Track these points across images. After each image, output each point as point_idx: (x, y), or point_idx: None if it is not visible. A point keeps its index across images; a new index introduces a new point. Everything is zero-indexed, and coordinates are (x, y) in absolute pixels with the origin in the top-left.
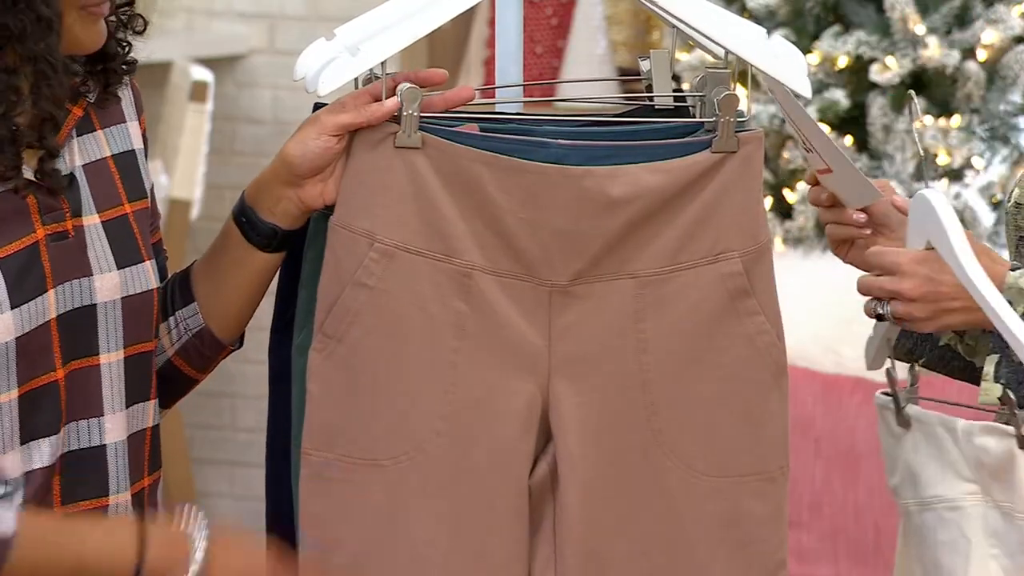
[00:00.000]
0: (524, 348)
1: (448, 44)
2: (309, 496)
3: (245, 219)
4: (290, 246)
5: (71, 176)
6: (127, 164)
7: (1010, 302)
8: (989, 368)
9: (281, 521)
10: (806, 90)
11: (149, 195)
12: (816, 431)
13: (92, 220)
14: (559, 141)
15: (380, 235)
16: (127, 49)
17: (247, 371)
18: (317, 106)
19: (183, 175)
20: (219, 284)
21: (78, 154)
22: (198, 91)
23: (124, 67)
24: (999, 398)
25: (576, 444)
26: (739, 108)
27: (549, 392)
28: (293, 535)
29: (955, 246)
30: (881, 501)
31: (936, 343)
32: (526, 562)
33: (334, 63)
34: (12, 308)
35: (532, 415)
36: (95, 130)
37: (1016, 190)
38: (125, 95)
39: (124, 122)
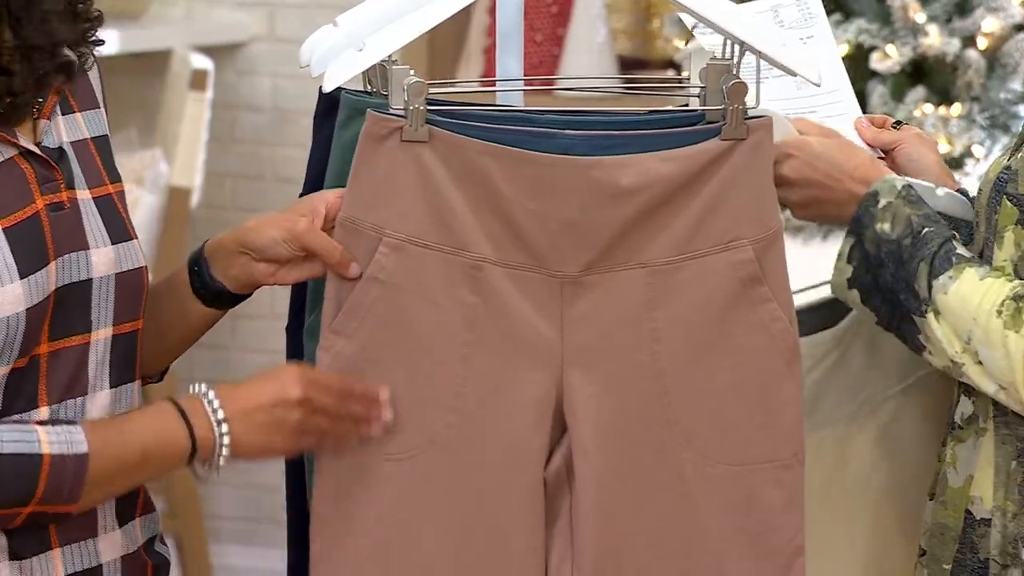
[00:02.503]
0: (536, 340)
1: (448, 32)
2: (324, 492)
3: (197, 269)
4: (236, 305)
5: (61, 149)
6: (103, 148)
7: (876, 192)
8: (844, 248)
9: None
10: (815, 77)
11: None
12: None
13: (84, 194)
14: (566, 131)
15: (389, 229)
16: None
17: (249, 360)
18: (321, 97)
19: (183, 163)
20: (156, 321)
21: (64, 131)
22: (198, 79)
23: (87, 48)
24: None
25: (591, 435)
26: (748, 95)
27: (563, 384)
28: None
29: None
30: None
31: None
32: (542, 555)
33: (341, 58)
34: (21, 279)
35: (546, 407)
36: (74, 112)
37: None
38: (94, 79)
39: (98, 108)
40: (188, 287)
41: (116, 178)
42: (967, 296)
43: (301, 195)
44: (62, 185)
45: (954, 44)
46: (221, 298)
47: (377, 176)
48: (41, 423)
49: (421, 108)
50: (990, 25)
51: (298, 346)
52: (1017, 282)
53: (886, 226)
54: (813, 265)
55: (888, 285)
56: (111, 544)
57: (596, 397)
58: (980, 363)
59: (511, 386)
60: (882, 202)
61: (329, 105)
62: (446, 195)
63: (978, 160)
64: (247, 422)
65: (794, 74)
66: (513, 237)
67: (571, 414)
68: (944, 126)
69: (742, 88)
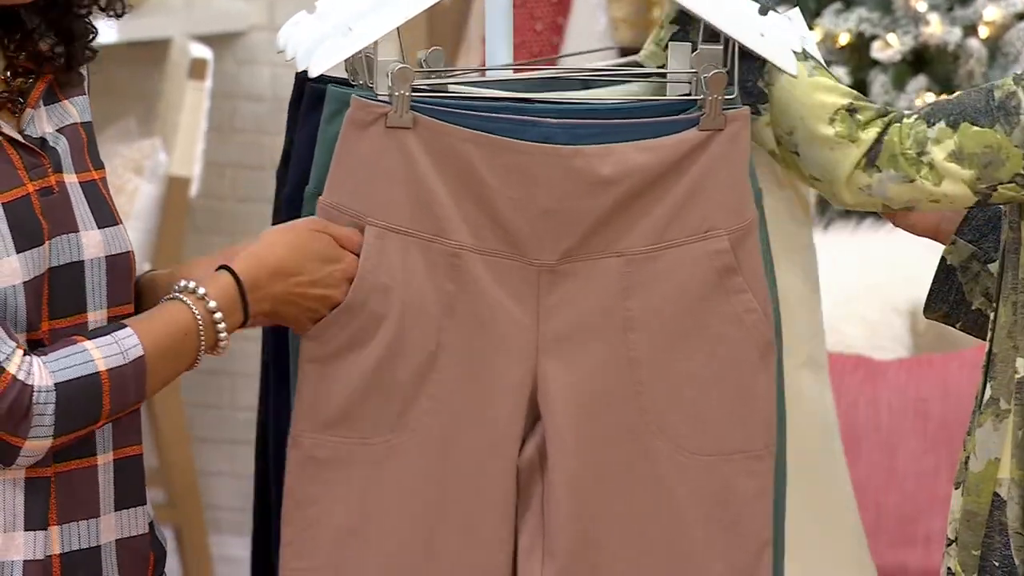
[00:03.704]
0: (512, 328)
1: (448, 20)
2: (298, 477)
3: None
4: None
5: (42, 139)
6: (89, 133)
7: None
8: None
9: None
10: (791, 67)
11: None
12: None
13: (70, 178)
14: (548, 119)
15: (370, 216)
16: (93, 36)
17: (247, 349)
18: (300, 80)
19: (182, 152)
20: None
21: (47, 121)
22: (197, 68)
23: (89, 51)
24: None
25: (565, 424)
26: (728, 86)
27: (537, 372)
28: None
29: None
30: (881, 479)
31: (970, 307)
32: (512, 542)
33: (326, 43)
34: (17, 253)
35: (521, 395)
36: (59, 100)
37: None
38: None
39: (85, 94)
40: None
41: (99, 164)
42: (797, 96)
43: (281, 194)
44: (49, 170)
45: (955, 33)
46: None
47: (360, 162)
48: (87, 336)
49: (406, 94)
50: (992, 14)
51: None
52: (848, 93)
53: None
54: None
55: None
56: (109, 527)
57: (571, 386)
58: (796, 154)
59: (487, 373)
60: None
61: (313, 99)
62: (428, 182)
63: None
64: (280, 296)
65: (771, 63)
66: (492, 225)
67: (545, 402)
68: None
69: (721, 78)
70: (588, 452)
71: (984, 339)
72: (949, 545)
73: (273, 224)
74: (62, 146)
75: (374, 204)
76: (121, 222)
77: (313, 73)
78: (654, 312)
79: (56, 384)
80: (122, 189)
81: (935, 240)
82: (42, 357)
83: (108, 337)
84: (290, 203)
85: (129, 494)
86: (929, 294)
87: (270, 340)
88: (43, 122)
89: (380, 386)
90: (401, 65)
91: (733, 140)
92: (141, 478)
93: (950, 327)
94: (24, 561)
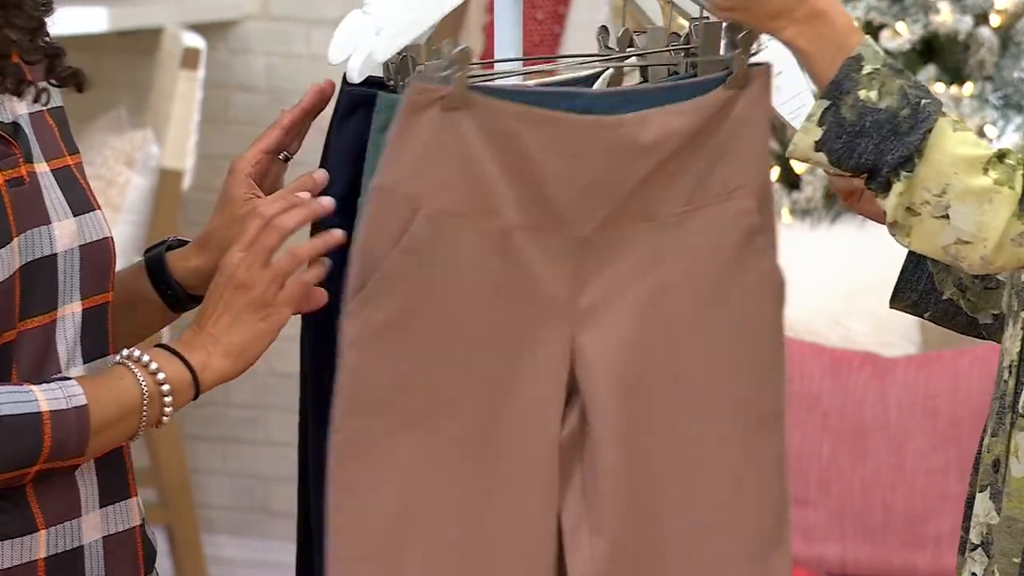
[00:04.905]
0: (552, 303)
1: None
2: (343, 463)
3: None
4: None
5: (15, 124)
6: (60, 119)
7: (860, 56)
8: (816, 110)
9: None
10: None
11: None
12: (823, 407)
13: (42, 168)
14: (585, 91)
15: (426, 200)
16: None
17: None
18: (345, 91)
19: (174, 144)
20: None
21: (19, 105)
22: (190, 58)
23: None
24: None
25: (607, 397)
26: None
27: (575, 345)
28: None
29: None
30: (889, 478)
31: (940, 297)
32: (556, 521)
33: (360, 48)
34: None
35: (562, 370)
36: (30, 84)
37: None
38: None
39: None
40: (155, 298)
41: (74, 150)
42: (949, 151)
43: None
44: (20, 160)
45: (966, 21)
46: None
47: (417, 146)
48: (34, 382)
49: (466, 75)
50: (1003, 2)
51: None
52: (995, 148)
53: (872, 94)
54: (820, 250)
55: (868, 156)
56: (93, 525)
57: (610, 358)
58: (945, 217)
59: (529, 351)
60: (867, 68)
61: (350, 104)
62: (481, 162)
63: (991, 140)
64: (218, 334)
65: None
66: (539, 200)
67: (585, 376)
68: (956, 106)
69: (752, 37)
70: (630, 425)
71: (953, 329)
72: (974, 550)
73: (311, 230)
74: (32, 133)
75: (429, 188)
76: (99, 207)
77: (356, 79)
78: (686, 276)
79: None
80: (113, 182)
81: None
82: None
83: (54, 383)
84: (332, 212)
85: (115, 489)
86: (897, 283)
87: (310, 344)
88: (14, 106)
89: (430, 368)
90: (462, 46)
91: (758, 97)
92: (126, 471)
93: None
94: (4, 569)
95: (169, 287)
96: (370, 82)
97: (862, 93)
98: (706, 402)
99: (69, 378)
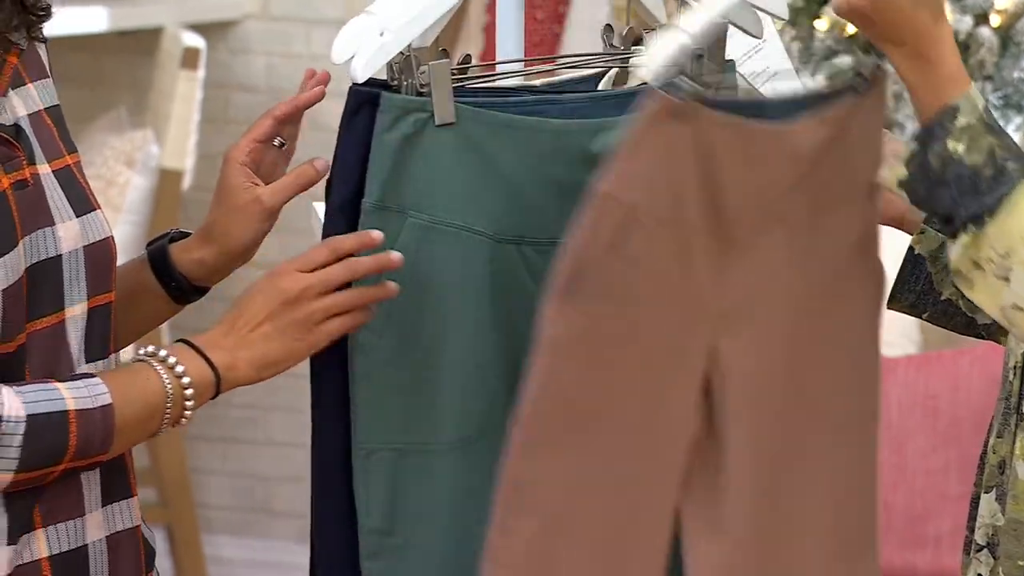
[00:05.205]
0: (701, 306)
1: None
2: (518, 461)
3: (165, 272)
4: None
5: (16, 126)
6: (57, 118)
7: (956, 107)
8: (906, 151)
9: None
10: (783, 11)
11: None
12: None
13: (44, 169)
14: (567, 94)
15: (643, 207)
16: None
17: None
18: (352, 90)
19: (174, 144)
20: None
21: (19, 105)
22: (190, 58)
23: (42, 12)
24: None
25: (741, 402)
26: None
27: (715, 349)
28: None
29: None
30: (889, 478)
31: (938, 297)
32: (672, 517)
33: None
34: None
35: (699, 373)
36: (26, 83)
37: None
38: (42, 49)
39: (47, 76)
40: (159, 291)
41: (72, 149)
42: (1021, 218)
43: (329, 202)
44: (24, 162)
45: (966, 21)
46: (195, 293)
47: (649, 154)
48: (59, 380)
49: (698, 87)
50: (1004, 2)
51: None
52: None
53: (960, 148)
54: None
55: (945, 205)
56: (96, 524)
57: (746, 362)
58: (1005, 279)
59: (679, 354)
60: (961, 121)
61: (357, 103)
62: (685, 173)
63: None
64: (255, 341)
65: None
66: (715, 208)
67: (721, 380)
68: None
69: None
70: (759, 428)
71: (952, 329)
72: (979, 551)
73: (324, 230)
74: (32, 133)
75: (647, 197)
76: (99, 207)
77: (359, 78)
78: (811, 280)
79: (27, 415)
80: (113, 182)
81: (900, 229)
82: (13, 388)
83: (79, 381)
84: (340, 211)
85: (117, 488)
86: (894, 284)
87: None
88: (15, 107)
89: (620, 381)
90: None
91: (878, 102)
92: (128, 471)
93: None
94: (17, 566)
95: (173, 279)
96: (374, 83)
97: (951, 144)
98: (823, 406)
99: (93, 375)
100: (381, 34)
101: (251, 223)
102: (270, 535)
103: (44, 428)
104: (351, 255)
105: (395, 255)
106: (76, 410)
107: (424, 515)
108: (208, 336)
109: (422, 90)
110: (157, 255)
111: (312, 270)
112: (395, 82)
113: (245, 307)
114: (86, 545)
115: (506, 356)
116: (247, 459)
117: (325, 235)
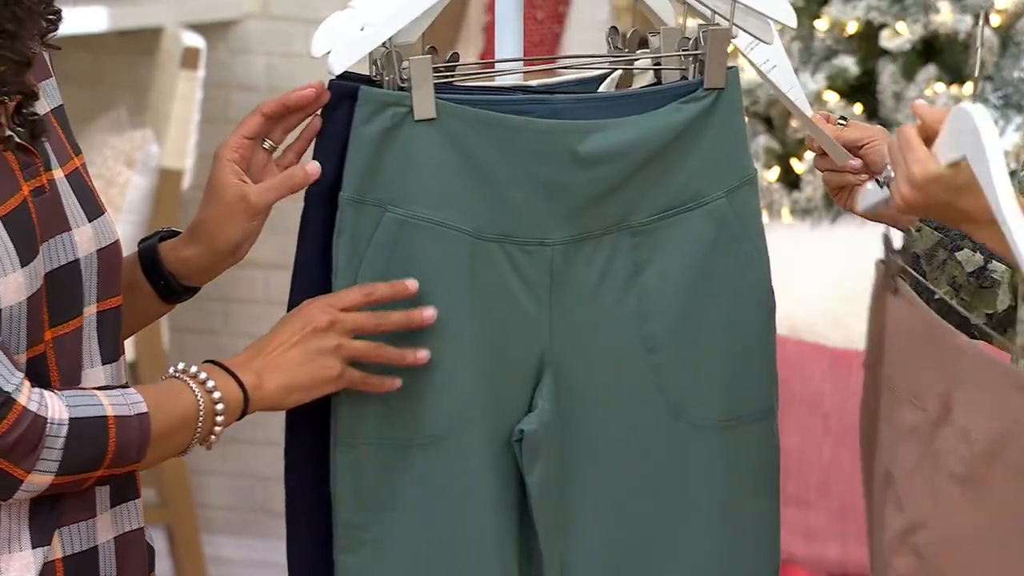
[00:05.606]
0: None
1: (447, 9)
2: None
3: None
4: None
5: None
6: (62, 119)
7: None
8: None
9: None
10: (791, 20)
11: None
12: (825, 407)
13: (59, 174)
14: (558, 95)
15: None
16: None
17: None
18: (331, 84)
19: (174, 144)
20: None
21: (35, 106)
22: (190, 57)
23: (52, 16)
24: None
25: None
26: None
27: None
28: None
29: (992, 164)
30: None
31: (932, 296)
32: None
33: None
34: (22, 267)
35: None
36: (34, 86)
37: None
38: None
39: (50, 76)
40: (148, 289)
41: (78, 150)
42: None
43: (310, 203)
44: (41, 168)
45: (966, 21)
46: (185, 293)
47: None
48: (96, 388)
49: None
50: (1004, 2)
51: None
52: None
53: None
54: (820, 250)
55: None
56: (106, 525)
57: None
58: None
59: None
60: None
61: (337, 96)
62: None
63: None
64: (283, 365)
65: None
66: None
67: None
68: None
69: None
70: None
71: None
72: None
73: (302, 219)
74: (46, 138)
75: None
76: (105, 210)
77: (335, 70)
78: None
79: (70, 418)
80: (113, 181)
81: (894, 227)
82: (56, 392)
83: (115, 391)
84: (318, 198)
85: (125, 489)
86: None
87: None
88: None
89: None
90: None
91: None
92: (134, 472)
93: None
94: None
95: (162, 277)
96: (358, 78)
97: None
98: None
99: (128, 386)
100: (362, 29)
101: (237, 221)
102: (270, 535)
103: (85, 432)
104: (384, 301)
105: (412, 284)
106: (115, 416)
107: (399, 510)
108: (238, 358)
109: (403, 85)
110: (146, 253)
111: (343, 309)
112: (377, 77)
113: (276, 333)
114: (97, 546)
115: (486, 354)
116: (247, 459)
117: (302, 225)
